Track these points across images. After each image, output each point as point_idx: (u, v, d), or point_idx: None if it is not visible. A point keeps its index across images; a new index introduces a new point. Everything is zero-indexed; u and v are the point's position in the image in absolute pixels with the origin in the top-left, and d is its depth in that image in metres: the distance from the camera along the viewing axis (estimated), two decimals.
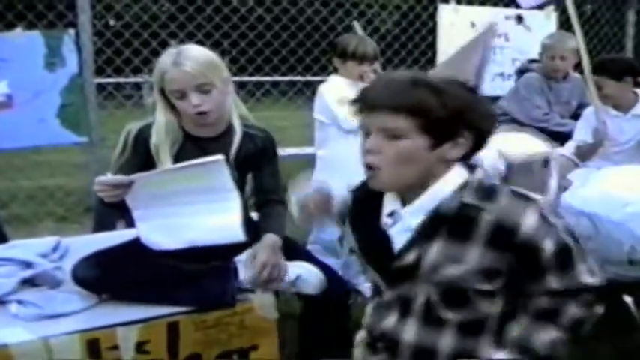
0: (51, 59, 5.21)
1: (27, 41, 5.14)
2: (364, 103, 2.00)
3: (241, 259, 3.01)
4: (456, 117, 1.91)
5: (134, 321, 2.78)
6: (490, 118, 2.01)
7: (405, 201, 2.04)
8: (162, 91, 3.00)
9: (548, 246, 1.94)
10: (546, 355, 2.04)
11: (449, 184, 1.98)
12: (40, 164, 8.46)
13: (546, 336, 2.04)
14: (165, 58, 2.96)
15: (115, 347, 2.73)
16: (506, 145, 3.27)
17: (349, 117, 4.59)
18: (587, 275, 2.03)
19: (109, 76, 7.57)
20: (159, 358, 2.81)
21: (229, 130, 3.10)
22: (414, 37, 8.60)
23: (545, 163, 3.29)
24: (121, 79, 7.98)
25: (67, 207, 7.15)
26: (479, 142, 1.99)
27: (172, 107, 3.02)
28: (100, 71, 6.71)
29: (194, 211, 2.83)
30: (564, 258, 1.98)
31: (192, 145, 3.03)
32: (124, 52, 7.55)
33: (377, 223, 2.11)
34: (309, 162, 5.45)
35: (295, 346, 3.13)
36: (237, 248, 2.99)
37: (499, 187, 2.02)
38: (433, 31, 7.50)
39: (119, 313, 2.85)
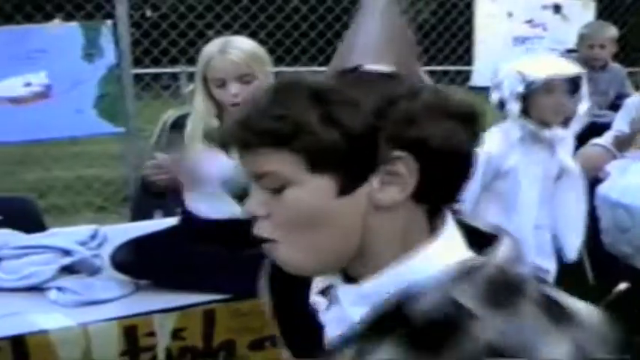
0: (89, 50, 5.24)
1: (65, 32, 5.19)
2: (221, 143, 1.41)
3: None
4: (365, 133, 1.06)
5: (171, 308, 2.83)
6: (449, 122, 1.07)
7: (347, 270, 1.16)
8: (205, 80, 3.02)
9: None
10: None
11: (426, 262, 1.08)
12: (77, 154, 8.52)
13: None
14: (213, 46, 3.00)
15: (152, 334, 2.77)
16: (528, 65, 3.26)
17: None
18: None
19: (147, 66, 7.60)
20: (194, 345, 2.84)
21: None
22: (450, 26, 8.53)
23: (575, 86, 3.27)
24: (158, 70, 8.00)
25: (105, 197, 7.20)
26: (443, 168, 1.08)
27: (212, 96, 3.04)
28: (137, 62, 6.74)
29: None
30: None
31: None
32: (161, 42, 7.58)
33: (304, 302, 1.28)
34: None
35: None
36: None
37: (527, 287, 1.06)
38: (470, 20, 7.46)
39: (156, 300, 2.89)
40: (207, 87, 3.03)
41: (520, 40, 7.07)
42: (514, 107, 3.22)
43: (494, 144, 3.31)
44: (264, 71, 3.03)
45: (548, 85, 3.17)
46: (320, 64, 8.75)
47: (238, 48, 2.97)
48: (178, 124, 3.08)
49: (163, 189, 2.93)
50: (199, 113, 3.04)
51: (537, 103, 3.20)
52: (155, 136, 3.10)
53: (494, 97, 3.29)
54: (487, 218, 3.42)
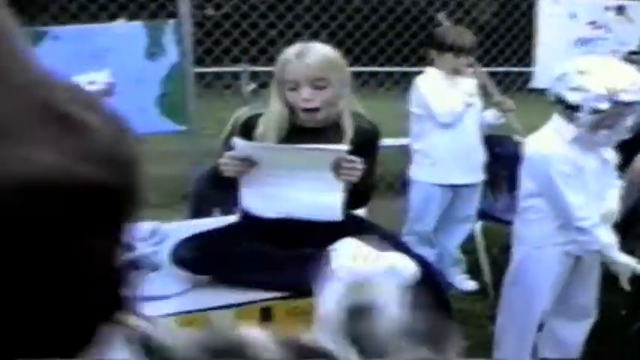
0: (152, 49, 5.30)
1: (129, 31, 5.25)
2: None
3: (335, 247, 3.03)
4: None
5: (228, 305, 2.84)
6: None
7: None
8: (280, 83, 3.06)
9: None
10: None
11: None
12: (139, 152, 8.62)
13: None
14: (291, 50, 3.04)
15: None
16: (619, 83, 3.21)
17: (445, 110, 4.64)
18: None
19: (208, 65, 7.67)
20: None
21: (338, 124, 3.13)
22: (512, 28, 8.48)
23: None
24: (220, 69, 8.07)
25: (164, 194, 7.27)
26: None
27: (285, 100, 3.08)
28: (199, 61, 6.80)
29: (298, 186, 2.94)
30: None
31: (297, 137, 3.07)
32: (223, 42, 7.64)
33: None
34: (403, 153, 5.45)
35: None
36: (334, 235, 3.03)
37: None
38: (532, 22, 7.39)
39: (214, 297, 2.91)
40: (282, 90, 3.06)
41: (583, 42, 6.99)
42: (588, 119, 3.19)
43: (552, 146, 3.31)
44: (339, 78, 3.05)
45: (632, 108, 3.17)
46: (381, 65, 8.77)
47: (315, 53, 3.00)
48: (249, 124, 3.11)
49: (234, 180, 2.97)
50: (273, 115, 3.07)
51: (614, 120, 3.20)
52: (225, 134, 3.14)
53: (560, 92, 3.26)
54: (539, 221, 3.44)
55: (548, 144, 3.33)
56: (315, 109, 3.02)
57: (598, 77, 3.15)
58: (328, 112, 3.07)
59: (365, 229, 3.20)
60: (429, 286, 3.04)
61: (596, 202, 3.38)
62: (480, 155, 4.90)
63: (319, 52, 3.03)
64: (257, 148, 2.96)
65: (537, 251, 3.49)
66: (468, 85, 4.68)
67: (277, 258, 2.98)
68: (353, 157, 2.89)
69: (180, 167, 7.05)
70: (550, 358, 3.82)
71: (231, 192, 3.19)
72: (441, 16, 5.33)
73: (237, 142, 2.92)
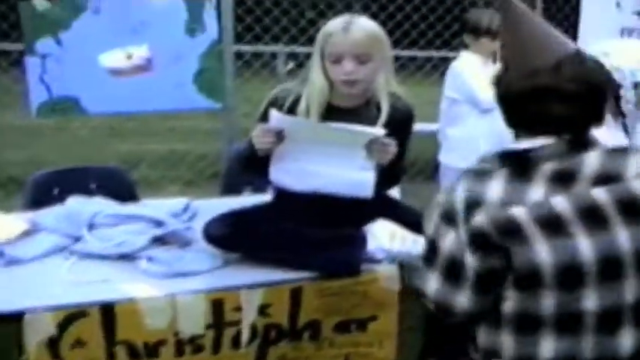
0: (191, 25, 5.27)
1: (169, 6, 5.22)
2: None
3: (370, 229, 3.02)
4: None
5: (259, 284, 2.83)
6: None
7: None
8: (322, 54, 3.04)
9: None
10: None
11: None
12: (173, 128, 8.65)
13: None
14: (335, 23, 3.03)
15: (238, 309, 2.78)
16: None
17: (488, 96, 4.60)
18: None
19: (248, 43, 7.64)
20: (279, 322, 2.85)
21: (370, 103, 3.11)
22: (556, 15, 8.38)
23: None
24: (259, 48, 8.04)
25: (195, 172, 7.28)
26: None
27: (326, 73, 3.06)
28: (238, 38, 6.78)
29: (330, 163, 2.94)
30: None
31: (333, 116, 3.05)
32: (263, 19, 7.61)
33: None
34: (432, 138, 5.41)
35: (414, 320, 3.10)
36: (368, 215, 3.02)
37: None
38: (576, 9, 7.29)
39: (244, 275, 2.91)
40: (324, 63, 3.04)
41: (628, 32, 6.88)
42: (632, 94, 3.16)
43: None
44: (381, 54, 3.05)
45: None
46: (437, 48, 8.69)
47: (360, 27, 2.99)
48: (276, 102, 3.10)
49: (266, 154, 2.96)
50: (316, 89, 3.05)
51: None
52: (261, 112, 3.12)
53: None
54: None
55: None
56: (355, 81, 2.99)
57: (624, 54, 3.14)
58: (367, 86, 3.06)
59: (400, 211, 3.18)
60: None
61: None
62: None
63: (364, 26, 3.01)
64: (292, 122, 2.95)
65: None
66: None
67: (310, 238, 2.98)
68: (387, 140, 2.87)
69: (213, 145, 7.06)
70: None
71: (256, 173, 3.19)
72: None
73: (274, 113, 2.90)
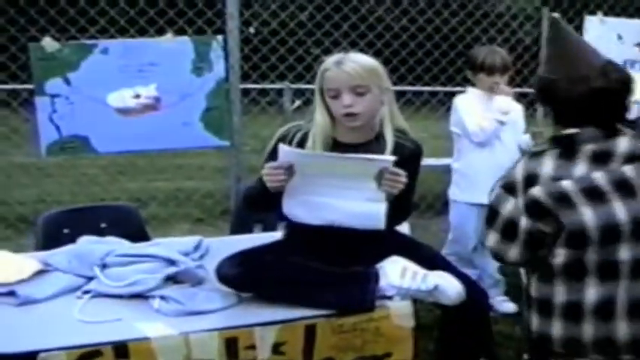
0: (199, 64, 5.31)
1: (176, 46, 5.26)
2: None
3: (382, 265, 3.03)
4: None
5: (273, 322, 2.83)
6: None
7: None
8: (322, 92, 3.09)
9: None
10: None
11: None
12: (180, 167, 8.68)
13: None
14: (330, 59, 3.09)
15: (252, 347, 2.78)
16: None
17: (477, 129, 4.63)
18: None
19: (254, 81, 7.69)
20: None
21: (378, 139, 3.13)
22: None
23: None
24: (266, 86, 8.09)
25: (204, 209, 7.30)
26: None
27: (328, 109, 3.10)
28: (245, 77, 6.82)
29: (341, 195, 2.96)
30: None
31: (338, 152, 3.07)
32: (269, 58, 7.66)
33: None
34: (445, 173, 5.43)
35: (429, 356, 3.10)
36: (380, 252, 3.03)
37: None
38: None
39: (258, 313, 2.91)
40: (324, 99, 3.09)
41: (630, 63, 6.91)
42: None
43: None
44: (378, 85, 3.09)
45: None
46: (425, 84, 8.73)
47: (354, 61, 3.04)
48: (285, 139, 3.13)
49: (279, 190, 2.98)
50: (318, 126, 3.10)
51: None
52: (269, 149, 3.15)
53: None
54: None
55: None
56: (356, 114, 3.03)
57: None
58: (368, 118, 3.08)
59: (411, 247, 3.19)
60: (473, 305, 3.02)
61: None
62: None
63: (357, 59, 3.06)
64: (301, 155, 2.97)
65: None
66: (502, 103, 4.67)
67: (322, 275, 2.98)
68: (397, 169, 2.89)
69: (221, 183, 7.09)
70: None
71: (267, 210, 3.21)
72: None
73: (282, 147, 2.93)
